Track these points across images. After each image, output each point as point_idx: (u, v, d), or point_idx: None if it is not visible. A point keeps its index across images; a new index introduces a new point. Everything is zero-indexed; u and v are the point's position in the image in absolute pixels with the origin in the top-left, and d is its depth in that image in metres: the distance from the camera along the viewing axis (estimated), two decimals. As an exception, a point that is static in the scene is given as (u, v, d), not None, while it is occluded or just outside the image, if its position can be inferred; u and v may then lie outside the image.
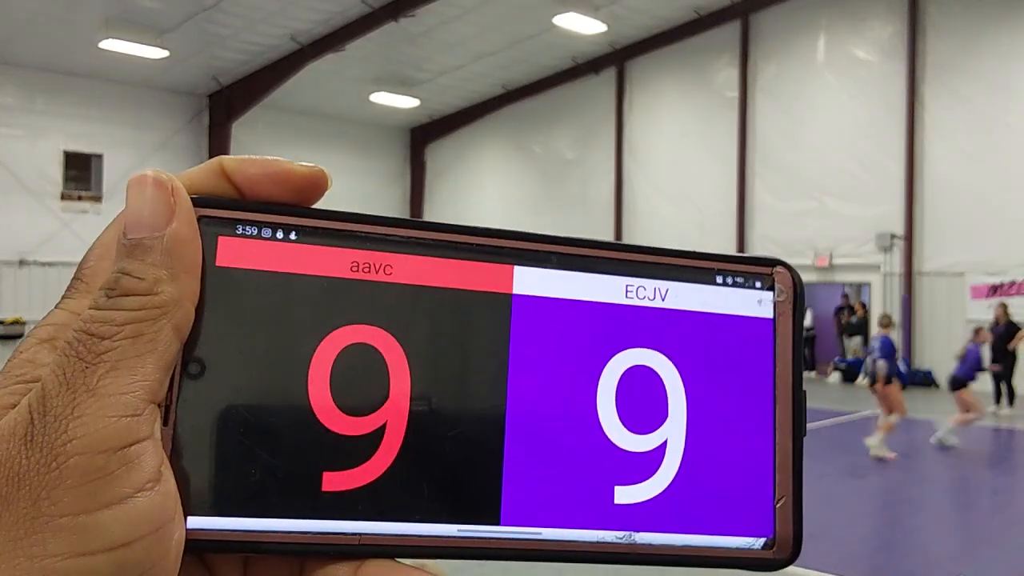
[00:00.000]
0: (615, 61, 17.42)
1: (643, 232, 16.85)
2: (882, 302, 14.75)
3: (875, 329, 14.94)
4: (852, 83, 14.66)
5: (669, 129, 16.88)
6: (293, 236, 0.34)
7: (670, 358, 0.36)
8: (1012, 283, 13.27)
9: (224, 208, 0.34)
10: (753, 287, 0.38)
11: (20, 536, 0.27)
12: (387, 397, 0.34)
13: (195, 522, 0.32)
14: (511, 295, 0.36)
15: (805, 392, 0.37)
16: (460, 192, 20.50)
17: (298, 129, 18.79)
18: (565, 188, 18.49)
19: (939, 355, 13.91)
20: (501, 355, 0.35)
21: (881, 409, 8.37)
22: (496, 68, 17.60)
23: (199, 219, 0.33)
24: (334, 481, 0.33)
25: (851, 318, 15.52)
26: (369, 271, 0.35)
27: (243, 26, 14.77)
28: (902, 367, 14.05)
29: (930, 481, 7.46)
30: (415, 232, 0.35)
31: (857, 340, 15.45)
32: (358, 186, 19.25)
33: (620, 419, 0.36)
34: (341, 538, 0.33)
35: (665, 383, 0.36)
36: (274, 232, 0.34)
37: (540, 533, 0.35)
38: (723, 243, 15.51)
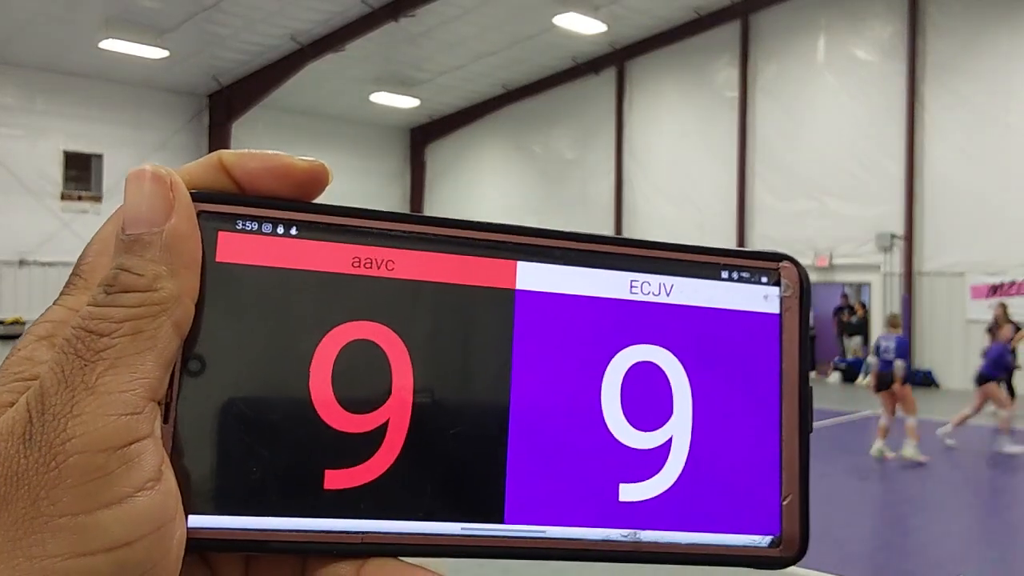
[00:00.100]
0: (615, 61, 17.42)
1: (643, 232, 16.84)
2: (882, 302, 14.75)
3: (877, 330, 14.99)
4: (852, 83, 14.65)
5: (669, 129, 16.88)
6: (294, 231, 0.34)
7: (675, 354, 0.36)
8: (1012, 283, 13.27)
9: (224, 203, 0.33)
10: (759, 282, 0.37)
11: (19, 536, 0.27)
12: (389, 394, 0.34)
13: (196, 521, 0.32)
14: (514, 291, 0.35)
15: (811, 388, 0.37)
16: (460, 192, 20.49)
17: (298, 129, 18.79)
18: (565, 188, 18.48)
19: (939, 355, 13.92)
20: (504, 352, 0.35)
21: (884, 411, 8.18)
22: (496, 68, 17.60)
23: (198, 214, 0.33)
24: (336, 479, 0.33)
25: (851, 318, 15.52)
26: (371, 267, 0.34)
27: (243, 26, 14.77)
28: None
29: (930, 481, 7.46)
30: (417, 227, 0.35)
31: (857, 340, 15.45)
32: (358, 186, 19.24)
33: (625, 416, 0.35)
34: (343, 537, 0.33)
35: (670, 379, 0.36)
36: (275, 227, 0.34)
37: (544, 531, 0.34)
38: (723, 243, 15.42)
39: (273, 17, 14.53)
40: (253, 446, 0.32)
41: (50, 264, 15.50)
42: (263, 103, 17.06)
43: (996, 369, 9.04)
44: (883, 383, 8.17)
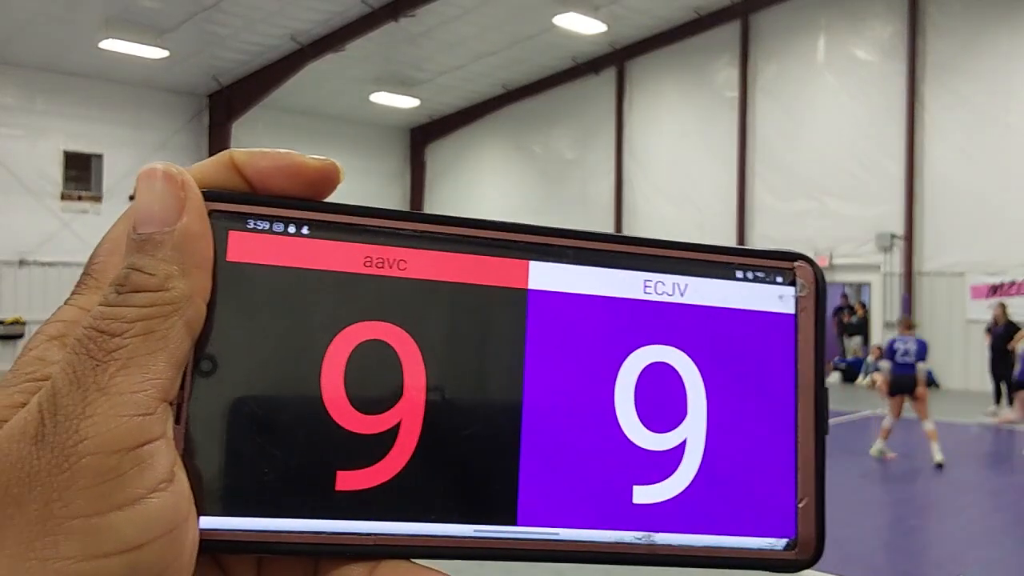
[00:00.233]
0: (615, 61, 17.42)
1: (643, 232, 16.83)
2: (882, 302, 14.76)
3: (876, 330, 15.00)
4: (852, 83, 14.66)
5: (669, 129, 16.88)
6: (305, 230, 0.34)
7: (689, 355, 0.36)
8: (1012, 283, 13.27)
9: (235, 202, 0.33)
10: (774, 282, 0.37)
11: (32, 538, 0.27)
12: (401, 395, 0.33)
13: (208, 522, 0.31)
14: (527, 290, 0.35)
15: (827, 390, 0.37)
16: (460, 192, 20.49)
17: (298, 129, 18.78)
18: (565, 188, 18.48)
19: (939, 355, 13.90)
20: (517, 352, 0.34)
21: (891, 413, 7.97)
22: (496, 68, 17.60)
23: (210, 213, 0.32)
24: (348, 480, 0.33)
25: (851, 318, 15.52)
26: (383, 266, 0.34)
27: (243, 26, 14.76)
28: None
29: (931, 481, 7.46)
30: (429, 226, 0.35)
31: (857, 340, 15.46)
32: (358, 186, 19.23)
33: (639, 417, 0.35)
34: (355, 538, 0.32)
35: (684, 380, 0.35)
36: (286, 226, 0.33)
37: (557, 533, 0.34)
38: (723, 243, 15.49)
39: (273, 17, 14.52)
40: (265, 447, 0.32)
41: (50, 264, 15.48)
42: (263, 103, 17.05)
43: None
44: (901, 386, 7.79)
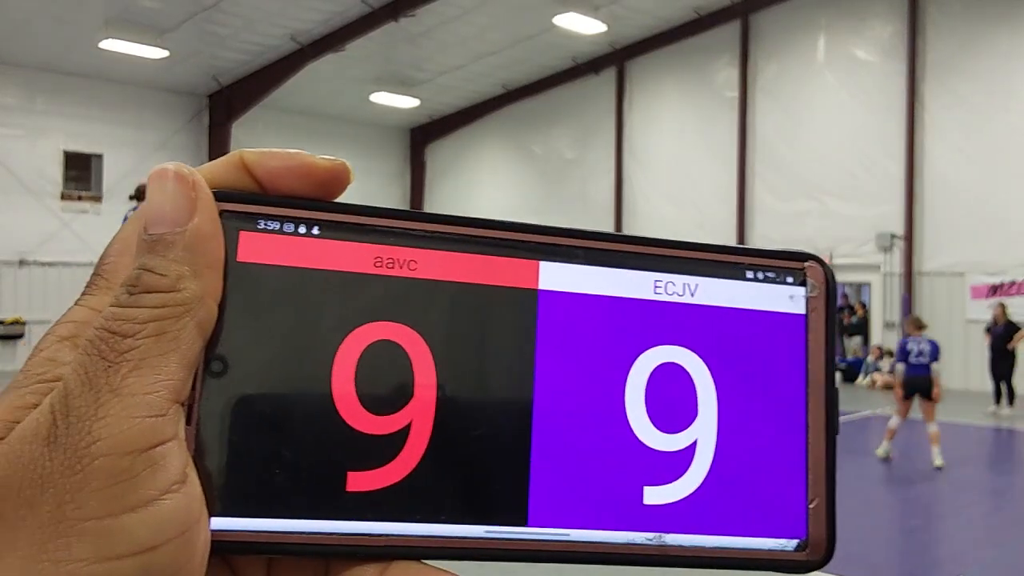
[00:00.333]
0: (615, 61, 17.42)
1: (643, 232, 16.80)
2: (882, 302, 14.76)
3: (876, 330, 15.00)
4: (852, 83, 14.66)
5: (669, 129, 16.88)
6: (315, 231, 0.34)
7: (700, 355, 0.36)
8: (1012, 283, 13.27)
9: (245, 202, 0.33)
10: (784, 282, 0.37)
11: (45, 540, 0.27)
12: (412, 395, 0.33)
13: (219, 523, 0.31)
14: (537, 291, 0.35)
15: (837, 390, 0.37)
16: (460, 192, 20.49)
17: (298, 129, 18.77)
18: (565, 188, 18.48)
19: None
20: (527, 353, 0.34)
21: (898, 414, 7.80)
22: (496, 68, 17.59)
23: (220, 214, 0.32)
24: (359, 481, 0.32)
25: (851, 318, 15.52)
26: (393, 266, 0.34)
27: (243, 26, 14.76)
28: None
29: (931, 482, 7.46)
30: (439, 227, 0.35)
31: (857, 340, 15.46)
32: (358, 186, 18.87)
33: (649, 418, 0.35)
34: (366, 539, 0.32)
35: (695, 381, 0.35)
36: (296, 227, 0.33)
37: (568, 534, 0.34)
38: (724, 243, 15.50)
39: (273, 17, 14.52)
40: (275, 448, 0.32)
41: (50, 264, 15.48)
42: (263, 103, 17.04)
43: None
44: (916, 388, 7.63)
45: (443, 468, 0.33)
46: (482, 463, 0.33)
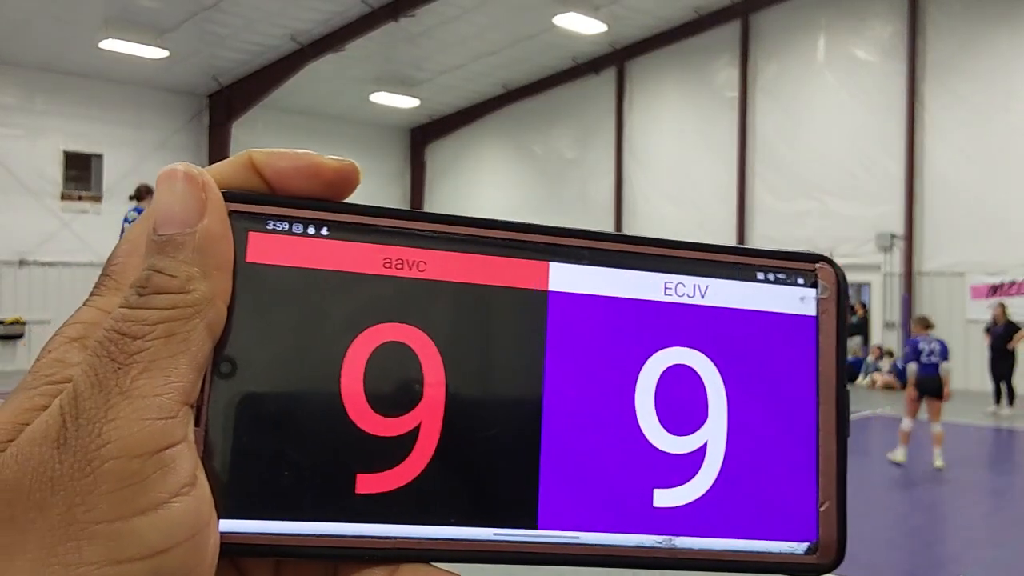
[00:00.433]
0: (615, 61, 17.41)
1: (643, 233, 16.80)
2: (882, 302, 14.76)
3: (876, 330, 15.01)
4: (852, 83, 14.65)
5: (669, 129, 16.87)
6: (324, 231, 0.33)
7: (710, 357, 0.35)
8: (1012, 283, 13.27)
9: (254, 203, 0.33)
10: (795, 284, 0.37)
11: (55, 543, 0.27)
12: (421, 397, 0.33)
13: (228, 525, 0.31)
14: (547, 292, 0.35)
15: (848, 392, 0.37)
16: (460, 192, 20.49)
17: (298, 129, 18.76)
18: (565, 188, 18.48)
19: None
20: (537, 354, 0.34)
21: (908, 415, 7.62)
22: (496, 68, 17.59)
23: (229, 214, 0.32)
24: (368, 483, 0.32)
25: (851, 318, 15.53)
26: (402, 267, 0.34)
27: (243, 26, 14.76)
28: (900, 366, 14.08)
29: (931, 482, 7.45)
30: (449, 227, 0.34)
31: (857, 340, 15.47)
32: (359, 186, 19.19)
33: (659, 420, 0.35)
34: (375, 542, 0.32)
35: (705, 383, 0.35)
36: (305, 227, 0.33)
37: (578, 537, 0.34)
38: (724, 243, 15.52)
39: (273, 17, 14.52)
40: (284, 450, 0.32)
41: (50, 264, 15.46)
42: (263, 103, 17.03)
43: None
44: (929, 388, 7.52)
45: (452, 470, 0.33)
46: (492, 465, 0.33)
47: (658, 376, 0.35)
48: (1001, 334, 11.94)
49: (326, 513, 0.32)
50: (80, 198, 16.17)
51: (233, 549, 0.31)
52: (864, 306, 15.48)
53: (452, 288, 0.34)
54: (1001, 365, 11.89)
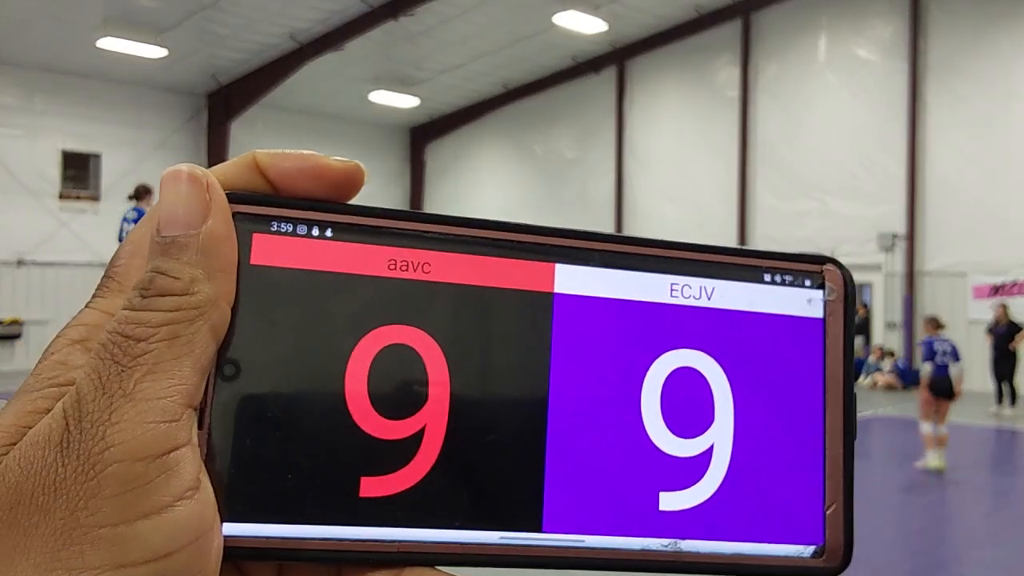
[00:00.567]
0: (615, 60, 17.41)
1: (643, 233, 16.83)
2: (884, 302, 14.76)
3: (878, 330, 15.01)
4: (853, 82, 14.65)
5: (669, 129, 16.87)
6: (329, 233, 0.33)
7: (717, 359, 0.35)
8: (1014, 283, 13.27)
9: (258, 204, 0.33)
10: (802, 286, 0.37)
11: (58, 547, 0.26)
12: (426, 400, 0.33)
13: (231, 529, 0.31)
14: (552, 294, 0.35)
15: (855, 394, 0.36)
16: (460, 192, 20.49)
17: (297, 128, 18.76)
18: (565, 188, 18.48)
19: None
20: (543, 357, 0.34)
21: (927, 418, 7.48)
22: (496, 67, 17.58)
23: (233, 215, 0.32)
24: (372, 486, 0.32)
25: (852, 318, 15.52)
26: (407, 269, 0.34)
27: (242, 25, 14.76)
28: (900, 366, 14.09)
29: (931, 481, 7.45)
30: (454, 229, 0.34)
31: (859, 340, 15.47)
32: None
33: (665, 423, 0.35)
34: (379, 545, 0.32)
35: (711, 385, 0.35)
36: (309, 229, 0.33)
37: (583, 540, 0.34)
38: (724, 243, 15.52)
39: (272, 16, 14.52)
40: (288, 453, 0.32)
41: (48, 264, 15.45)
42: (262, 102, 17.03)
43: None
44: (944, 389, 7.43)
45: (457, 473, 0.33)
46: (496, 468, 0.33)
47: (664, 379, 0.35)
48: (1003, 334, 11.94)
49: (330, 517, 0.32)
50: (79, 198, 16.16)
51: (236, 553, 0.31)
52: (865, 306, 15.48)
53: (457, 290, 0.34)
54: (1003, 365, 11.90)
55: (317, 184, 0.33)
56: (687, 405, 0.35)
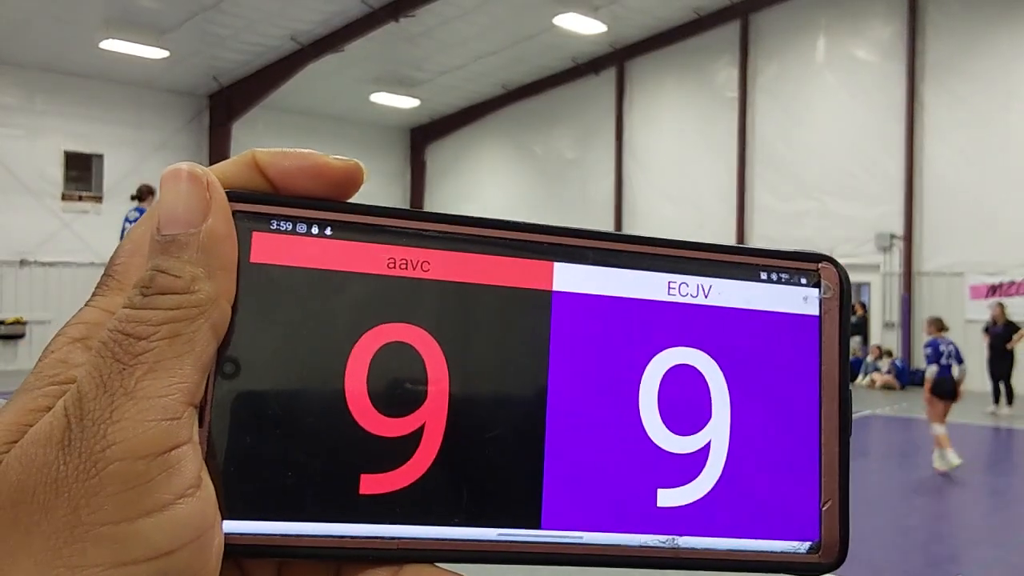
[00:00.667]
0: (615, 61, 17.41)
1: (643, 232, 16.77)
2: (881, 302, 14.76)
3: (876, 330, 15.00)
4: (852, 83, 14.66)
5: (669, 129, 16.87)
6: (328, 231, 0.33)
7: (713, 357, 0.35)
8: (1011, 283, 13.27)
9: (258, 203, 0.33)
10: (799, 284, 0.37)
11: (60, 545, 0.26)
12: (425, 397, 0.33)
13: (231, 526, 0.31)
14: (551, 292, 0.35)
15: (851, 392, 0.37)
16: (460, 192, 20.48)
17: (298, 129, 18.75)
18: (565, 188, 18.48)
19: (939, 355, 13.91)
20: (541, 354, 0.34)
21: (936, 421, 7.44)
22: (496, 68, 17.59)
23: (233, 214, 0.32)
24: (372, 484, 0.32)
25: (851, 318, 15.52)
26: (406, 267, 0.34)
27: (243, 26, 14.76)
28: (899, 365, 14.09)
29: (931, 481, 7.45)
30: (453, 227, 0.34)
31: (857, 340, 15.46)
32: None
33: (663, 420, 0.35)
34: (379, 542, 0.32)
35: (709, 383, 0.35)
36: (309, 227, 0.33)
37: (581, 537, 0.34)
38: (724, 243, 15.54)
39: (273, 17, 14.51)
40: (288, 450, 0.32)
41: (50, 264, 15.46)
42: (263, 103, 17.03)
43: None
44: (948, 390, 7.43)
45: (456, 470, 0.33)
46: (495, 466, 0.33)
47: (661, 376, 0.35)
48: (1000, 334, 11.94)
49: (330, 514, 0.32)
50: (81, 198, 16.16)
51: (237, 550, 0.31)
52: (863, 306, 15.48)
53: (456, 288, 0.34)
54: (1000, 365, 11.90)
55: (317, 182, 0.33)
56: (684, 402, 0.35)
